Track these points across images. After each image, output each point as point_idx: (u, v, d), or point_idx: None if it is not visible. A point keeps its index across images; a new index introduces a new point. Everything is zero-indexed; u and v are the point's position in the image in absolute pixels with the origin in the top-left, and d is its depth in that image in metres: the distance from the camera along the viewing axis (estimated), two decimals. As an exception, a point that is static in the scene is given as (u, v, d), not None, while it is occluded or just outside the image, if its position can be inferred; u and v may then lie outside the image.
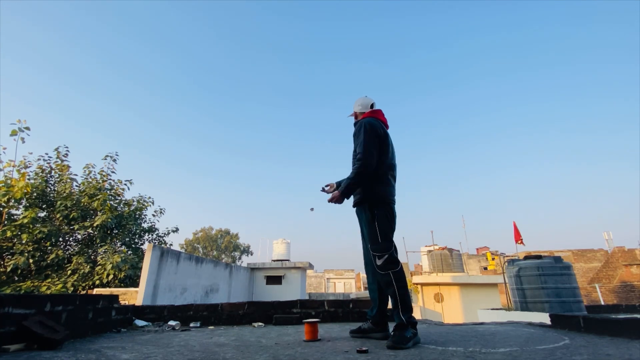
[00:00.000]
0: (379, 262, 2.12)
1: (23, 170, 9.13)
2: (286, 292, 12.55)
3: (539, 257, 5.84)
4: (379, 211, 2.21)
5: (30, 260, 8.18)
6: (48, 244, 8.75)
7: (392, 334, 1.97)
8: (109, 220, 9.16)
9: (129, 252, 9.59)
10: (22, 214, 8.48)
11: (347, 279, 33.79)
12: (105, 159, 10.72)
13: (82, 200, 9.44)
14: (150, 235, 11.66)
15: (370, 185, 2.25)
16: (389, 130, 2.50)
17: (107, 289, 8.08)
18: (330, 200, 2.30)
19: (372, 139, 2.24)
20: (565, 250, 22.82)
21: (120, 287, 8.61)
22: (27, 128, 8.85)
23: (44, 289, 7.79)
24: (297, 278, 13.16)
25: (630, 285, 18.02)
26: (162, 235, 12.09)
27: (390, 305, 2.16)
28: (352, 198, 2.44)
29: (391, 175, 2.34)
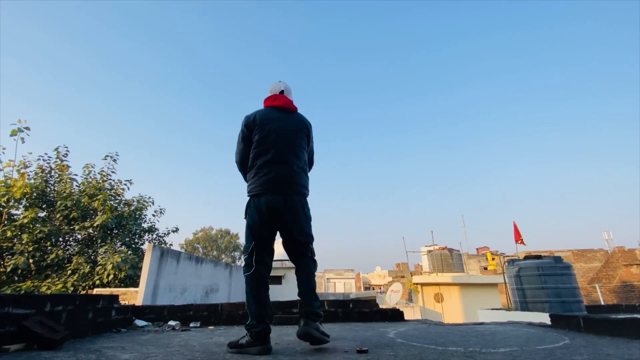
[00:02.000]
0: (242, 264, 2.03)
1: (23, 170, 9.14)
2: (286, 292, 12.55)
3: (539, 257, 5.84)
4: (246, 207, 2.07)
5: (30, 260, 8.18)
6: (48, 244, 8.75)
7: None
8: (109, 220, 9.16)
9: (129, 252, 9.58)
10: (22, 214, 8.48)
11: (347, 279, 33.73)
12: (105, 159, 10.74)
13: (82, 200, 9.45)
14: (150, 235, 11.67)
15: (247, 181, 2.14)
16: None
17: (107, 289, 8.07)
18: None
19: (239, 136, 2.21)
20: (565, 250, 22.80)
21: (120, 287, 8.60)
22: (27, 128, 8.86)
23: (44, 289, 7.79)
24: (297, 278, 13.15)
25: (630, 285, 18.01)
26: (162, 235, 12.12)
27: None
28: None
29: (265, 162, 2.03)
